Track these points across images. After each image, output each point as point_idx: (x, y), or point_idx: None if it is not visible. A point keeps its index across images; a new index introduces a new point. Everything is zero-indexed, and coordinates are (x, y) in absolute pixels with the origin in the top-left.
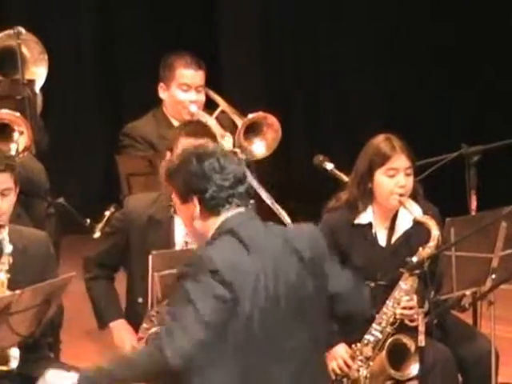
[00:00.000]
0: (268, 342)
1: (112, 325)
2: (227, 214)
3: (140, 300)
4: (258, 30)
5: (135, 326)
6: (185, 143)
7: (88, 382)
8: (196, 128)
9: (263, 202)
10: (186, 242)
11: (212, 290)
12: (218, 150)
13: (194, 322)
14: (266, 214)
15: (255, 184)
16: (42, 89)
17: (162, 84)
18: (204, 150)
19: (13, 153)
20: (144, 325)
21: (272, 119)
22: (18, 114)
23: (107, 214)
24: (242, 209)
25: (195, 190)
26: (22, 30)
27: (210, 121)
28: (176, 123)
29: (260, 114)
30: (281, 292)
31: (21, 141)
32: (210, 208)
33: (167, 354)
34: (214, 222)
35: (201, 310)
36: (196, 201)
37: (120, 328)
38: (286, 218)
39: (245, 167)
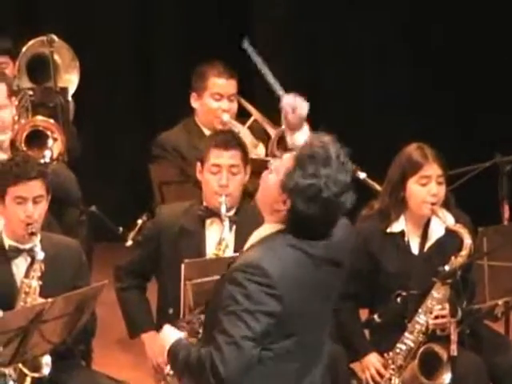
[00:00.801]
0: (312, 349)
1: (144, 336)
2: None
3: (171, 311)
4: (291, 41)
5: None
6: (215, 154)
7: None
8: (226, 138)
9: None
10: (216, 255)
11: (264, 306)
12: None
13: (245, 339)
14: None
15: None
16: (74, 96)
17: (194, 93)
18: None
19: (47, 159)
20: None
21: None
22: (52, 121)
23: (140, 222)
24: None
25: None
26: (55, 37)
27: (243, 130)
28: (208, 132)
29: None
30: (318, 298)
31: (55, 147)
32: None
33: (219, 369)
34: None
35: (252, 328)
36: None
37: (151, 339)
38: None
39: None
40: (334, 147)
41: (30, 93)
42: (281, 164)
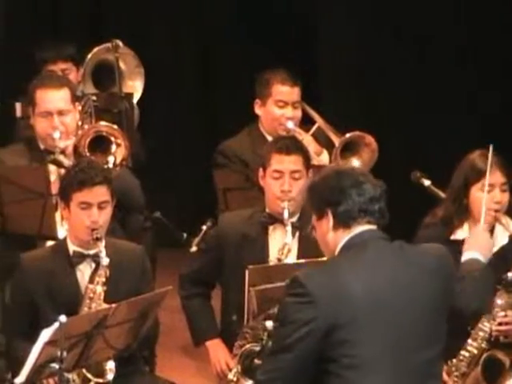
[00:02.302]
0: (407, 365)
1: (208, 343)
2: (357, 229)
3: (234, 318)
4: (356, 47)
5: (230, 343)
6: (277, 159)
7: None
8: (288, 143)
9: None
10: (279, 259)
11: (307, 330)
12: (357, 169)
13: (292, 367)
14: None
15: None
16: (139, 102)
17: (257, 100)
18: (344, 167)
19: (110, 165)
20: (238, 342)
21: (369, 139)
22: (115, 127)
23: (204, 228)
24: (372, 226)
25: (330, 202)
26: (120, 43)
27: (307, 138)
28: (271, 139)
29: (357, 133)
30: (407, 310)
31: (118, 153)
32: (342, 221)
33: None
34: (343, 236)
35: (299, 356)
36: (330, 214)
37: (215, 346)
38: None
39: (382, 188)
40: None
41: (94, 98)
42: None
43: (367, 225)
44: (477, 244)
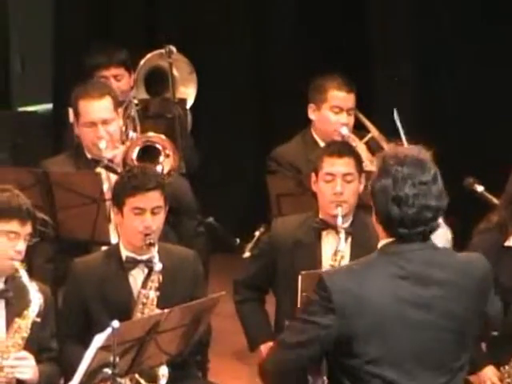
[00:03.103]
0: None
1: (262, 347)
2: (397, 237)
3: (287, 323)
4: (412, 54)
5: None
6: (328, 163)
7: None
8: (340, 147)
9: None
10: (332, 266)
11: (324, 334)
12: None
13: (302, 362)
14: None
15: None
16: (192, 108)
17: (312, 105)
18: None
19: None
20: None
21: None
22: (164, 137)
23: (257, 234)
24: (419, 241)
25: (377, 208)
26: (174, 49)
27: (360, 145)
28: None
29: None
30: (436, 326)
31: (166, 163)
32: (387, 232)
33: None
34: (383, 237)
35: (311, 355)
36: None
37: None
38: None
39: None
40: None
41: (136, 102)
42: None
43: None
44: None
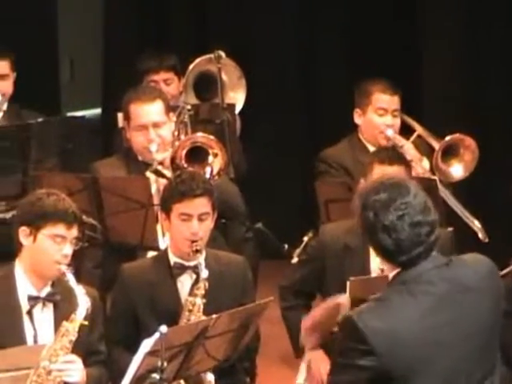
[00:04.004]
0: None
1: (309, 354)
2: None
3: (335, 328)
4: (461, 52)
5: (331, 354)
6: (379, 170)
7: None
8: (390, 154)
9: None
10: (382, 270)
11: (366, 376)
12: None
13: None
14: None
15: (454, 204)
16: (241, 114)
17: (357, 109)
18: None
19: (207, 176)
20: None
21: (469, 141)
22: (211, 137)
23: (305, 239)
24: (425, 262)
25: (371, 244)
26: (223, 54)
27: (407, 145)
28: (371, 148)
29: (457, 136)
30: (472, 338)
31: (215, 164)
32: (389, 264)
33: None
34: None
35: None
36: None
37: (317, 358)
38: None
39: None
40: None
41: (188, 107)
42: None
43: (418, 260)
44: None
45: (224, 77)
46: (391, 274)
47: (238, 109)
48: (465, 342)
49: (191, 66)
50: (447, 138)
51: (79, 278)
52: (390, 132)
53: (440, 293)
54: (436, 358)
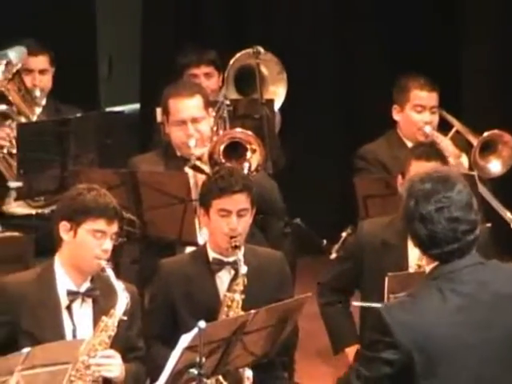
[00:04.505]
0: None
1: (347, 350)
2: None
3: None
4: (498, 48)
5: None
6: (416, 166)
7: None
8: (427, 150)
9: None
10: (419, 266)
11: (382, 357)
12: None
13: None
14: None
15: (491, 199)
16: (282, 109)
17: (395, 106)
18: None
19: (245, 171)
20: None
21: (507, 137)
22: (250, 133)
23: (344, 235)
24: (459, 259)
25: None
26: (261, 49)
27: (445, 141)
28: (410, 144)
29: (495, 132)
30: (497, 343)
31: (253, 159)
32: (421, 251)
33: None
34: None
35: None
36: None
37: (354, 353)
38: None
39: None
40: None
41: (227, 103)
42: None
43: (457, 256)
44: None
45: (264, 71)
46: (428, 268)
47: (278, 104)
48: (489, 345)
49: (232, 61)
50: (485, 134)
51: (117, 273)
52: (427, 129)
53: (469, 293)
54: (459, 357)
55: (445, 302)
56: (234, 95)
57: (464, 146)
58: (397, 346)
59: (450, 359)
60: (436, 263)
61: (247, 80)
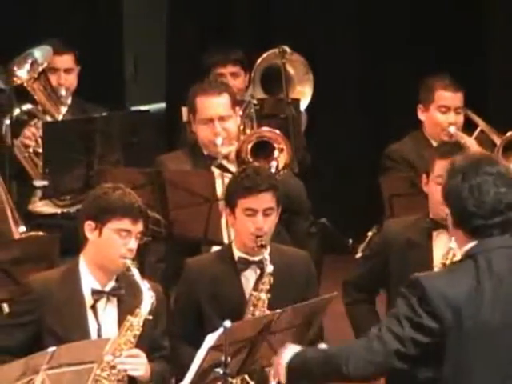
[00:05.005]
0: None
1: None
2: (481, 239)
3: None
4: None
5: None
6: (440, 165)
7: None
8: (451, 149)
9: None
10: (444, 265)
11: (417, 320)
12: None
13: (391, 333)
14: None
15: None
16: (308, 108)
17: (421, 106)
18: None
19: (273, 170)
20: None
21: None
22: (277, 132)
23: (369, 234)
24: (498, 237)
25: (453, 210)
26: (287, 49)
27: (469, 141)
28: (435, 144)
29: None
30: None
31: (281, 158)
32: (465, 230)
33: (350, 363)
34: (466, 241)
35: (403, 336)
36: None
37: None
38: None
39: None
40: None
41: (255, 102)
42: None
43: (493, 235)
44: None
45: (291, 71)
46: (464, 249)
47: (305, 103)
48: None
49: (258, 60)
50: (508, 134)
51: (143, 273)
52: (452, 129)
53: (502, 273)
54: (492, 336)
55: (476, 280)
56: (261, 95)
57: (489, 146)
58: (435, 316)
59: (479, 335)
60: (473, 243)
61: (274, 80)
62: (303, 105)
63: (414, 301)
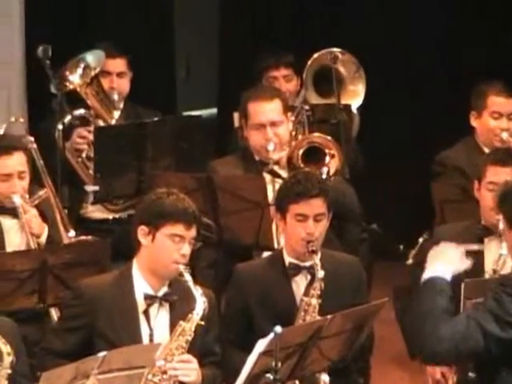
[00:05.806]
0: None
1: None
2: None
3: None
4: None
5: None
6: (492, 171)
7: None
8: (503, 156)
9: None
10: (495, 271)
11: (504, 315)
12: None
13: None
14: None
15: None
16: (360, 110)
17: (473, 112)
18: None
19: (324, 176)
20: None
21: None
22: (329, 138)
23: (420, 240)
24: None
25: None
26: (337, 50)
27: None
28: (487, 151)
29: None
30: None
31: (332, 164)
32: None
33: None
34: None
35: (487, 327)
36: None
37: None
38: None
39: None
40: None
41: (307, 107)
42: None
43: None
44: None
45: (342, 71)
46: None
47: (358, 102)
48: None
49: (309, 62)
50: None
51: (194, 278)
52: (504, 135)
53: None
54: None
55: None
56: (314, 97)
57: None
58: None
59: None
60: None
61: (326, 81)
62: (356, 104)
63: (505, 298)
